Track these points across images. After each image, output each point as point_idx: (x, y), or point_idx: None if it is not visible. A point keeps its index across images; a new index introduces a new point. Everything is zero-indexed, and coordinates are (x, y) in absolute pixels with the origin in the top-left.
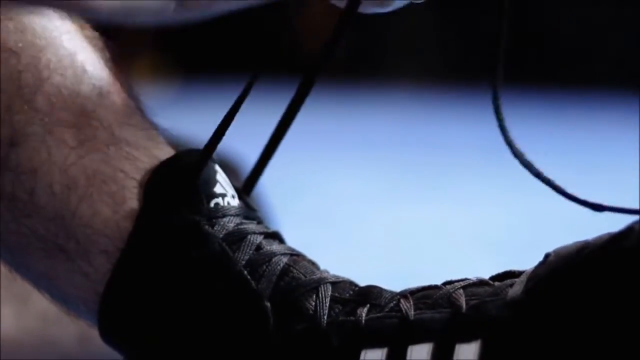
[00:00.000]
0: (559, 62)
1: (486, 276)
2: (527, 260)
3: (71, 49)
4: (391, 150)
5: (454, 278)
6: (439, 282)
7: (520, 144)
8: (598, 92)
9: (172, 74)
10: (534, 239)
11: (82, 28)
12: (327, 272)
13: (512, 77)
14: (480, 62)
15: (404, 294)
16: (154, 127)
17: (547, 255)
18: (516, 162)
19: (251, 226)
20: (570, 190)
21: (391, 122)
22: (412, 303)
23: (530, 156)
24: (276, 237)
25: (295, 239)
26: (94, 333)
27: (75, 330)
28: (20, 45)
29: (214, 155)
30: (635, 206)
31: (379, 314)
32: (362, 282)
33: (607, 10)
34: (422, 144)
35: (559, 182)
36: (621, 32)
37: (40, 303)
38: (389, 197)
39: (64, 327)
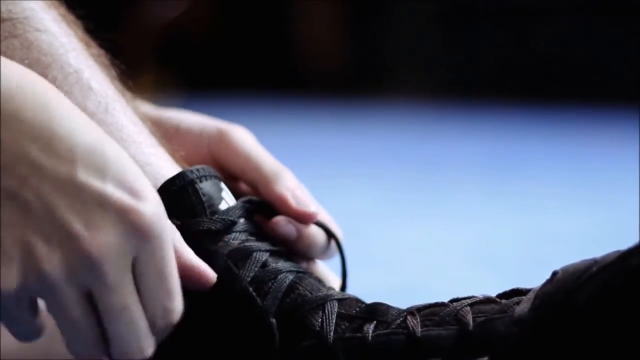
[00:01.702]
0: (559, 79)
1: (489, 292)
2: (529, 276)
3: (77, 66)
4: (391, 166)
5: (456, 294)
6: (442, 299)
7: (522, 160)
8: (598, 108)
9: (175, 91)
10: (536, 255)
11: (88, 46)
12: (333, 289)
13: (512, 93)
14: (481, 79)
15: (411, 311)
16: (159, 144)
17: (554, 273)
18: (518, 179)
19: (257, 243)
20: (574, 206)
21: (391, 138)
22: (418, 320)
23: (530, 172)
24: (282, 254)
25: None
26: None
27: None
28: (26, 62)
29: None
30: (635, 222)
31: (385, 331)
32: (364, 299)
33: (607, 26)
34: (422, 160)
35: (562, 198)
36: (621, 48)
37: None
38: (389, 213)
39: None
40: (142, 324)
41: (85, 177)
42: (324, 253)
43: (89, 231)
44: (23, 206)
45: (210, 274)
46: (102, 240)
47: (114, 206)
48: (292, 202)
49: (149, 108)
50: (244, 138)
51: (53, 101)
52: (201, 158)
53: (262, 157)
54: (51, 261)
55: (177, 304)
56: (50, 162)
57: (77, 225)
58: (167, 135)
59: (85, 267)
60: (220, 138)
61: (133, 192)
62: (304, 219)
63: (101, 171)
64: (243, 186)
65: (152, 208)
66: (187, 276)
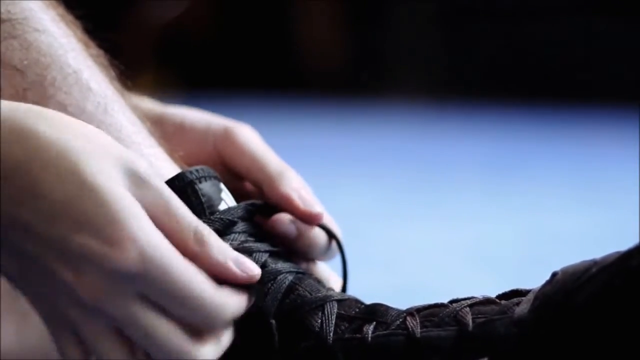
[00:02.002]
0: (559, 79)
1: (488, 292)
2: (529, 276)
3: (76, 67)
4: (391, 166)
5: (456, 294)
6: (441, 299)
7: (522, 160)
8: (598, 108)
9: (174, 91)
10: (536, 255)
11: (87, 46)
12: (333, 289)
13: (512, 93)
14: (481, 79)
15: (410, 312)
16: (158, 144)
17: (554, 274)
18: (518, 179)
19: (256, 244)
20: (574, 206)
21: (391, 138)
22: (418, 321)
23: (530, 172)
24: (281, 255)
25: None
26: None
27: None
28: (25, 62)
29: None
30: (635, 222)
31: (385, 332)
32: (364, 299)
33: (607, 26)
34: (422, 160)
35: (562, 198)
36: (622, 48)
37: None
38: (389, 214)
39: None
40: (174, 341)
41: (65, 231)
42: (325, 254)
43: (79, 279)
44: (28, 262)
45: (241, 273)
46: (93, 286)
47: (93, 257)
48: (298, 202)
49: (151, 104)
50: (250, 137)
51: (34, 160)
52: (206, 155)
53: (268, 157)
54: (66, 305)
55: (210, 317)
56: (36, 220)
57: (69, 275)
58: (170, 132)
59: (90, 310)
60: (226, 136)
61: (110, 241)
62: (309, 219)
63: (78, 224)
64: (248, 185)
65: (131, 254)
66: (224, 277)
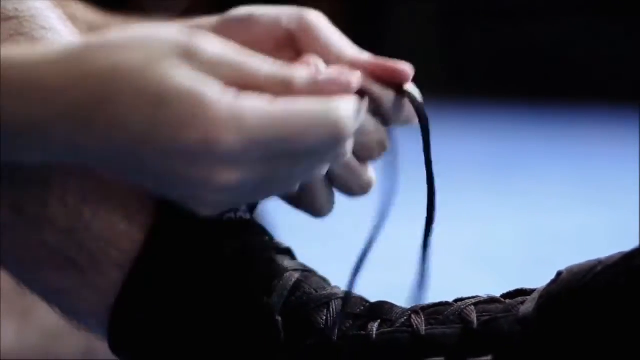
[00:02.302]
0: (559, 79)
1: (489, 291)
2: (530, 276)
3: None
4: None
5: (457, 294)
6: (443, 299)
7: (522, 159)
8: (598, 108)
9: None
10: (536, 255)
11: None
12: (338, 288)
13: (512, 93)
14: (481, 79)
15: (415, 310)
16: None
17: (559, 273)
18: (518, 178)
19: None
20: (574, 205)
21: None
22: (423, 319)
23: (530, 172)
24: (287, 253)
25: (297, 255)
26: (99, 348)
27: (80, 346)
28: None
29: None
30: (635, 222)
31: (390, 329)
32: (368, 297)
33: (607, 26)
34: (422, 160)
35: (563, 197)
36: (622, 48)
37: (43, 318)
38: (392, 213)
39: (68, 343)
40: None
41: (168, 152)
42: (392, 110)
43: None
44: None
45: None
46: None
47: (206, 155)
48: (385, 62)
49: (207, 20)
50: (324, 23)
51: (115, 96)
52: (277, 40)
53: (343, 42)
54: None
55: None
56: (142, 152)
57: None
58: (236, 25)
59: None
60: (300, 21)
61: (205, 139)
62: (400, 75)
63: (172, 140)
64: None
65: (229, 141)
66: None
